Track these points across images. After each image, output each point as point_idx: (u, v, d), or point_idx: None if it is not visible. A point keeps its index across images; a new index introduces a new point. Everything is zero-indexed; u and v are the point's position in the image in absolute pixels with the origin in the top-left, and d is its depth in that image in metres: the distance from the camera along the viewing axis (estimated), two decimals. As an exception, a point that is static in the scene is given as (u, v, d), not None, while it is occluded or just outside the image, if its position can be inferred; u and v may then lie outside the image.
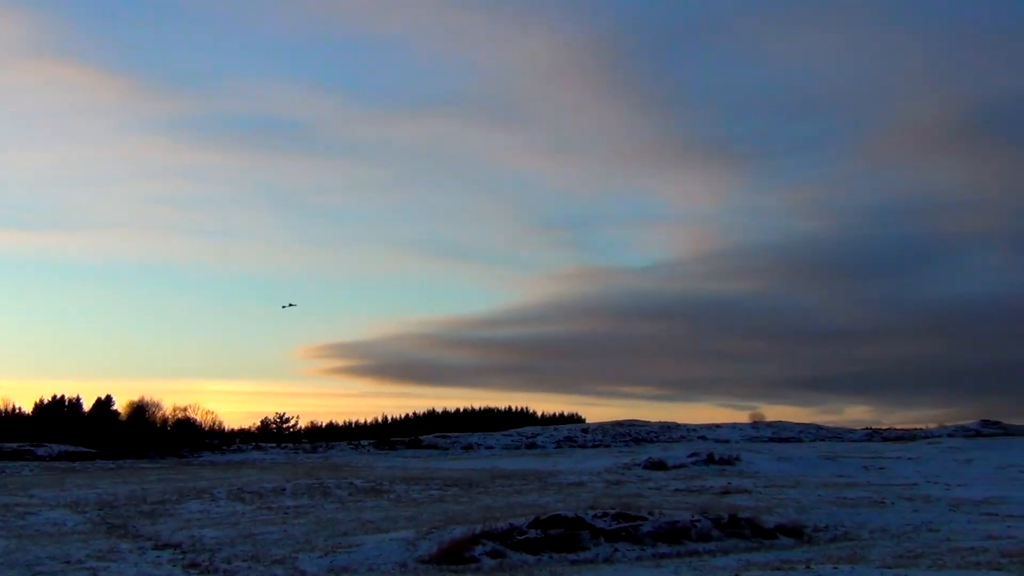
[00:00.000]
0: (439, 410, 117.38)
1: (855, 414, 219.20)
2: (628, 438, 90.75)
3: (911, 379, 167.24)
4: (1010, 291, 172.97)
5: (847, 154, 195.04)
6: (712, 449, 57.58)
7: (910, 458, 55.89)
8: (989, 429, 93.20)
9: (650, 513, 22.28)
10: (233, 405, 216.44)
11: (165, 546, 20.72)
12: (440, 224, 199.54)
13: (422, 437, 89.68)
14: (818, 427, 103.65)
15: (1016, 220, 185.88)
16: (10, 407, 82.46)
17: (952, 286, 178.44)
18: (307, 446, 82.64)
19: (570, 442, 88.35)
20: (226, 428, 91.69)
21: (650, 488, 34.61)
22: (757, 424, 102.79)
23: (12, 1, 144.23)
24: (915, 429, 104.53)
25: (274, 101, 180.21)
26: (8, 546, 20.86)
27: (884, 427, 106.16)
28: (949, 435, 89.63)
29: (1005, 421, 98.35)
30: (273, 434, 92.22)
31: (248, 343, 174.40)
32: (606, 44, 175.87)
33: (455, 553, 18.76)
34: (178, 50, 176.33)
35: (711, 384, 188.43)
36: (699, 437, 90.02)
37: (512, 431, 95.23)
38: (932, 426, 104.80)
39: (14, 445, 65.41)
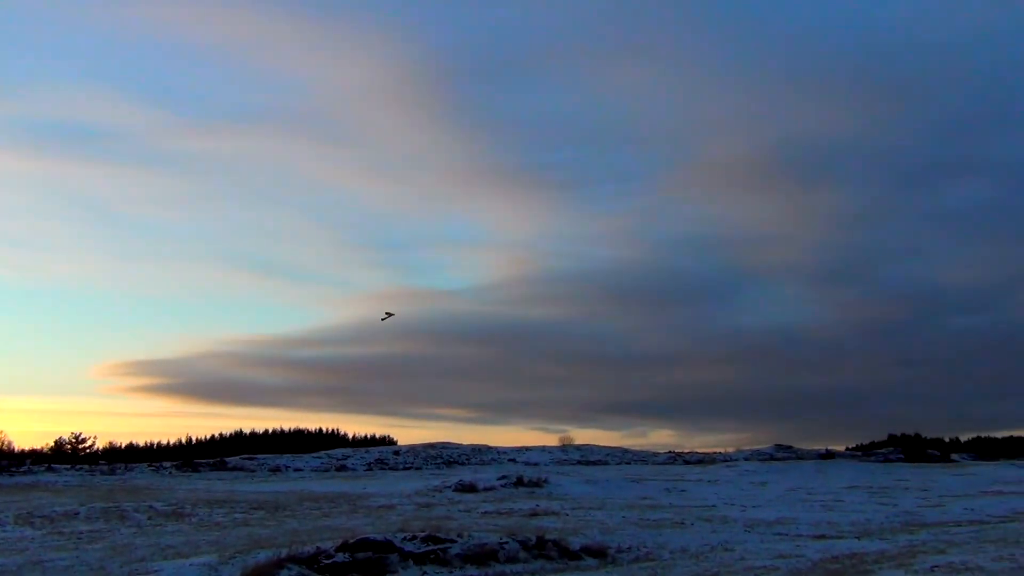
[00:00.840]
0: (247, 431, 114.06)
1: (660, 438, 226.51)
2: (440, 460, 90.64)
3: (712, 404, 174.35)
4: (805, 322, 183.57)
5: (659, 187, 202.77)
6: (522, 472, 58.26)
7: (709, 481, 58.15)
8: (782, 453, 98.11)
9: (459, 535, 22.35)
10: (25, 424, 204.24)
11: (-58, 574, 19.37)
12: (257, 241, 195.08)
13: (228, 459, 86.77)
14: (624, 450, 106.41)
15: (811, 255, 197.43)
16: None
17: (752, 316, 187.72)
18: (105, 468, 78.52)
19: (381, 464, 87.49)
20: (16, 448, 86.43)
21: (460, 510, 34.70)
22: (566, 447, 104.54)
23: None
24: (715, 453, 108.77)
25: (87, 109, 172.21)
26: None
27: (686, 450, 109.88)
28: (746, 459, 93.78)
29: (797, 445, 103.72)
30: (68, 455, 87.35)
31: (45, 359, 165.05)
32: (432, 67, 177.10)
33: (259, 578, 18.30)
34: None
35: (523, 407, 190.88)
36: (509, 460, 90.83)
37: (322, 453, 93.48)
38: (730, 450, 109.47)
39: None
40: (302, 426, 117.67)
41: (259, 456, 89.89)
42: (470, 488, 48.24)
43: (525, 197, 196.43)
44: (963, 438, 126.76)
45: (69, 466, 79.55)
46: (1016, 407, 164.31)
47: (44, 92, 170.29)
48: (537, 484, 49.70)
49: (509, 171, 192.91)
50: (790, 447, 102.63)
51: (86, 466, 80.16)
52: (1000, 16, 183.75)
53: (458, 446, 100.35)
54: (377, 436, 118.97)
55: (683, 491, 48.59)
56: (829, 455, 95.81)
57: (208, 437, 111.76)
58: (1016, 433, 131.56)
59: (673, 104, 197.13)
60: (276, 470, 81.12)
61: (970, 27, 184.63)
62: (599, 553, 22.58)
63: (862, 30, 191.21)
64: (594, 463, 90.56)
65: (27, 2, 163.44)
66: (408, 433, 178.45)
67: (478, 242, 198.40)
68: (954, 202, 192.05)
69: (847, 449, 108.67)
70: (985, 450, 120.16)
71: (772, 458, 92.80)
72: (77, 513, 33.50)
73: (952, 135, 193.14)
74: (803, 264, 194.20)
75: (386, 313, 47.81)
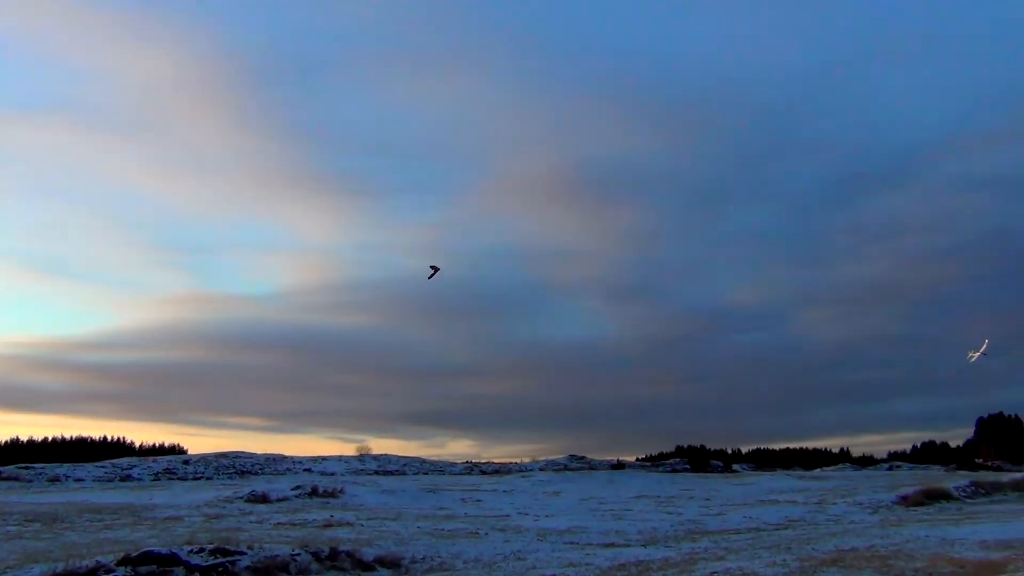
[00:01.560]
0: (24, 439, 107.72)
1: (458, 448, 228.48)
2: (232, 470, 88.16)
3: (510, 415, 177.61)
4: (601, 336, 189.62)
5: (466, 199, 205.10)
6: (317, 482, 57.37)
7: (504, 491, 58.90)
8: (576, 463, 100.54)
9: (249, 548, 21.81)
10: None
11: None
12: (45, 238, 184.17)
13: (1, 468, 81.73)
14: (422, 460, 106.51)
15: (609, 271, 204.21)
16: None
17: (551, 329, 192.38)
18: None
19: (169, 474, 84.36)
20: None
21: (251, 522, 33.83)
22: (363, 457, 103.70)
23: None
24: (511, 463, 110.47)
25: None
26: None
27: (483, 460, 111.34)
28: (540, 469, 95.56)
29: (590, 456, 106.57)
30: None
31: None
32: (236, 67, 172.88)
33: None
34: None
35: (320, 416, 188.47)
36: (305, 470, 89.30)
37: (106, 462, 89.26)
38: (526, 460, 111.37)
39: None
40: (85, 434, 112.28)
41: (36, 465, 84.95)
42: (263, 499, 47.11)
43: (328, 204, 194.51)
44: (744, 449, 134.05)
45: None
46: (792, 420, 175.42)
47: None
48: (332, 495, 49.09)
49: (313, 177, 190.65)
50: (584, 457, 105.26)
51: None
52: (791, 56, 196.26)
53: (252, 456, 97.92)
54: (166, 445, 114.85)
55: (479, 501, 49.05)
56: (620, 465, 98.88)
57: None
58: (791, 444, 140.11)
59: (481, 118, 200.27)
60: (55, 480, 76.92)
61: (761, 64, 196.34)
62: (393, 564, 22.52)
63: (666, 61, 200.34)
64: (391, 473, 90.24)
65: None
66: (200, 442, 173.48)
67: (278, 248, 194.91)
68: (739, 225, 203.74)
69: (637, 460, 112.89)
70: (763, 461, 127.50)
71: (566, 468, 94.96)
72: None
73: (739, 162, 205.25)
74: (601, 279, 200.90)
75: (432, 268, 44.19)
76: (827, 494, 52.76)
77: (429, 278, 45.53)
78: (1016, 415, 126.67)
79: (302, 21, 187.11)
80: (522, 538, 28.86)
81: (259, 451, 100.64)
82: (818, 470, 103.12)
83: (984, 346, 61.84)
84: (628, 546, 26.82)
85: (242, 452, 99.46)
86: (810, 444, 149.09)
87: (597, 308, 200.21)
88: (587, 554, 24.34)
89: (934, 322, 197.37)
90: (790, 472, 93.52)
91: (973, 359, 62.25)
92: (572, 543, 27.81)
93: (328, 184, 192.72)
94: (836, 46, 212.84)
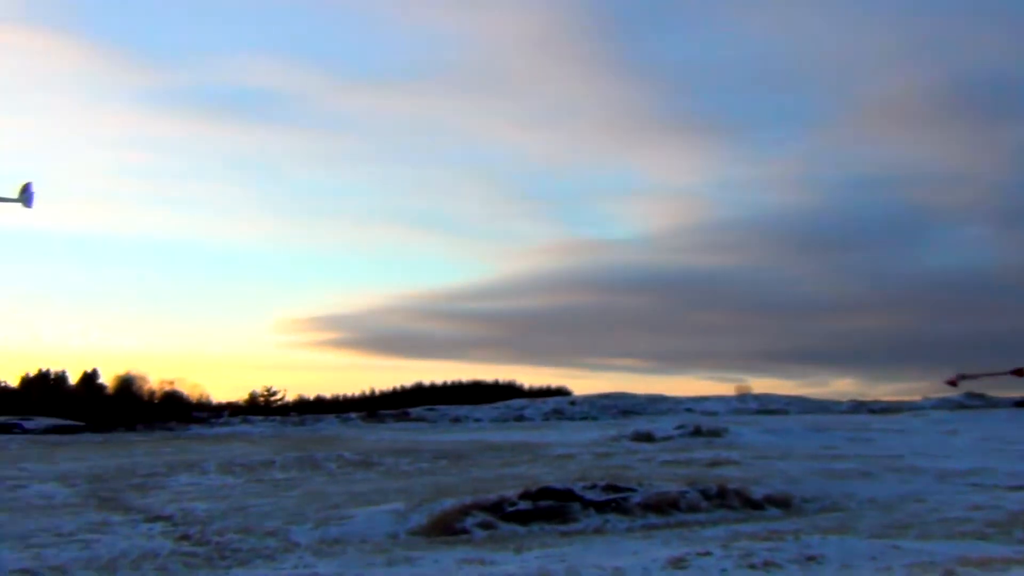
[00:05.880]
0: (426, 383, 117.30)
1: (841, 386, 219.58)
2: (615, 410, 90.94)
3: (895, 351, 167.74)
4: (991, 265, 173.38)
5: (827, 127, 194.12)
6: (699, 421, 57.72)
7: (896, 430, 56.17)
8: (973, 401, 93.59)
9: (639, 484, 22.39)
10: (220, 378, 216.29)
11: (156, 518, 20.76)
12: (422, 196, 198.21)
13: (410, 410, 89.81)
14: (804, 399, 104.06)
15: (998, 195, 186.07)
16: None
17: (935, 259, 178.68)
18: (295, 419, 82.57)
19: (557, 415, 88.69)
20: (213, 401, 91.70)
21: (638, 460, 34.70)
22: (743, 396, 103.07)
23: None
24: (900, 401, 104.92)
25: (252, 73, 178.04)
26: (0, 519, 20.85)
27: (869, 399, 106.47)
28: (933, 407, 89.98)
29: (988, 393, 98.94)
30: (261, 407, 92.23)
31: (232, 316, 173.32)
32: (588, 15, 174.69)
33: (446, 524, 18.87)
34: (157, 21, 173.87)
35: (695, 356, 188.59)
36: (686, 409, 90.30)
37: (500, 404, 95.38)
38: (916, 398, 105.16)
39: (1, 419, 65.28)
40: (479, 378, 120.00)
41: (439, 407, 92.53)
42: (647, 437, 48.19)
43: (686, 144, 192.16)
44: None
45: (262, 417, 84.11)
46: None
47: (212, 61, 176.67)
48: (715, 434, 49.16)
49: (669, 117, 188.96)
50: (981, 395, 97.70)
51: (278, 417, 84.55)
52: None
53: (633, 396, 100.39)
54: (552, 387, 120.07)
55: (869, 440, 47.11)
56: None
57: (390, 389, 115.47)
58: None
59: (835, 40, 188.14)
60: (456, 420, 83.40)
61: None
62: (783, 503, 22.20)
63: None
64: (774, 412, 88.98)
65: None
66: (582, 383, 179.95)
67: (641, 191, 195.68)
68: None
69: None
70: None
71: (962, 406, 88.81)
72: (273, 462, 35.35)
73: None
74: (988, 205, 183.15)
75: None
76: None
77: None
78: None
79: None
80: (920, 479, 27.36)
81: (639, 391, 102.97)
82: None
83: None
84: (1041, 489, 24.64)
85: (624, 392, 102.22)
86: None
87: (983, 235, 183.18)
88: (994, 496, 22.64)
89: None
90: None
91: None
92: (975, 484, 25.96)
93: (685, 123, 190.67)
94: None
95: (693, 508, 21.13)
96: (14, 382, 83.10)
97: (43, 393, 77.06)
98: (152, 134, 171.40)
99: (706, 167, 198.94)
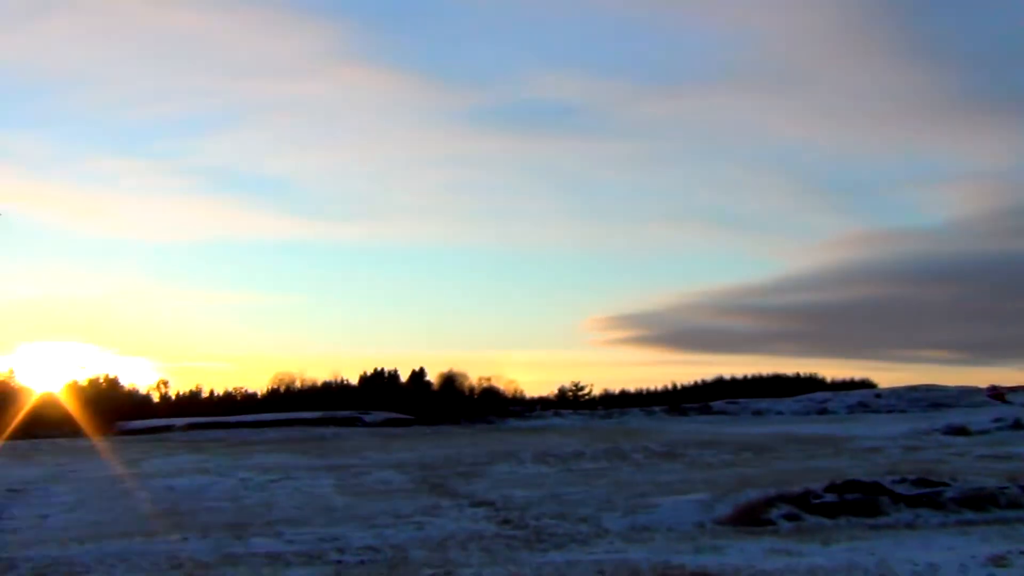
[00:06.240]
0: (727, 376, 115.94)
1: None
2: (924, 403, 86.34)
3: None
4: None
5: None
6: (1019, 414, 54.02)
7: None
8: None
9: (953, 479, 21.78)
10: (531, 375, 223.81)
11: (480, 503, 22.38)
12: (721, 194, 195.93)
13: (712, 403, 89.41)
14: None
15: None
16: (339, 379, 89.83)
17: None
18: (602, 412, 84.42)
19: (862, 407, 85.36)
20: (526, 396, 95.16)
21: (951, 454, 33.33)
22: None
23: (309, 14, 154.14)
24: None
25: (555, 88, 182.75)
26: (348, 502, 23.43)
27: None
28: None
29: None
30: (569, 401, 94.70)
31: (542, 316, 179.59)
32: (876, 2, 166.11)
33: (751, 515, 19.22)
34: (463, 49, 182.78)
35: (1012, 348, 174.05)
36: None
37: (802, 397, 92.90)
38: None
39: (345, 413, 71.72)
40: (778, 371, 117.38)
41: (740, 400, 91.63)
42: (961, 431, 45.93)
43: (991, 125, 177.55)
44: None
45: (571, 411, 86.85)
46: None
47: (516, 80, 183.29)
48: (1038, 427, 46.10)
49: (968, 98, 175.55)
50: None
51: (586, 411, 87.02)
52: None
53: (943, 388, 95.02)
54: (855, 380, 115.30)
55: None
56: None
57: (692, 383, 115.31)
58: None
59: None
60: (758, 413, 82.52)
61: None
62: (1117, 501, 20.87)
63: None
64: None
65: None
66: (887, 376, 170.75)
67: (942, 177, 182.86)
68: None
69: None
70: None
71: None
72: (582, 453, 36.90)
73: None
74: None
75: None
76: None
77: None
78: None
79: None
80: None
81: (950, 383, 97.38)
82: None
83: None
84: None
85: (933, 385, 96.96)
86: None
87: None
88: None
89: None
90: None
91: None
92: None
93: (987, 103, 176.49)
94: None
95: (1014, 504, 20.32)
96: (354, 380, 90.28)
97: (378, 390, 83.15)
98: (466, 152, 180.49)
99: (1011, 149, 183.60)
